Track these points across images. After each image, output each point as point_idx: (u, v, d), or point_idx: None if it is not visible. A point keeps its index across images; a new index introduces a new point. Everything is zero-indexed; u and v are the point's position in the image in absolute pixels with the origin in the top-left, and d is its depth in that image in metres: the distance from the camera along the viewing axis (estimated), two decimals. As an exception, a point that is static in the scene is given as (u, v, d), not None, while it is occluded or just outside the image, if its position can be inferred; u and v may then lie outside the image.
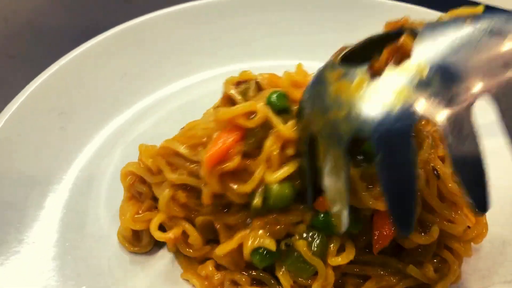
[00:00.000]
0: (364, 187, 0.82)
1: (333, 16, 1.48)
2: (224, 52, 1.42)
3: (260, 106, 0.85)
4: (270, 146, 0.83)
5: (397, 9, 1.45)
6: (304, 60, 1.28)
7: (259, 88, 0.94)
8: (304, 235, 0.86)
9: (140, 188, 0.99)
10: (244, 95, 0.92)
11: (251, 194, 0.83)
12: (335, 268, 0.87)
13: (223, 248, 0.87)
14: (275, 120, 0.84)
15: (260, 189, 0.83)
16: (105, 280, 0.92)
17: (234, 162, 0.82)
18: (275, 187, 0.82)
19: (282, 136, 0.83)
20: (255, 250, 0.84)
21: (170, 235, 0.92)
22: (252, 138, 0.84)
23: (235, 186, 0.83)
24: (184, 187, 0.92)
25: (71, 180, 1.08)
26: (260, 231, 0.84)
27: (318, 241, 0.85)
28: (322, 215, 0.85)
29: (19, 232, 0.96)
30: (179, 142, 0.91)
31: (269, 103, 0.86)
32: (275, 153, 0.83)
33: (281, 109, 0.87)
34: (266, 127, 0.85)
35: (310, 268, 0.85)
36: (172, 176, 0.91)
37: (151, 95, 1.31)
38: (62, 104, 1.19)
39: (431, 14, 1.39)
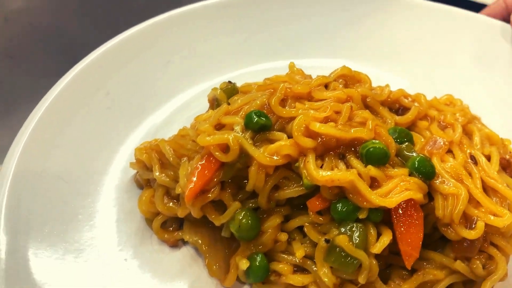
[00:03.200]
0: (366, 186, 0.82)
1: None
2: (273, 46, 1.39)
3: (233, 138, 0.85)
4: (254, 178, 0.86)
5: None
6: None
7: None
8: (342, 229, 0.83)
9: (146, 175, 0.99)
10: (229, 96, 1.01)
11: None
12: (379, 257, 0.84)
13: (231, 280, 0.91)
14: (251, 149, 0.85)
15: (230, 222, 0.88)
16: None
17: (213, 195, 0.88)
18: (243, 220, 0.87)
19: (263, 165, 0.85)
20: (246, 273, 0.88)
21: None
22: (230, 169, 0.88)
23: (212, 216, 0.89)
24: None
25: (121, 159, 1.08)
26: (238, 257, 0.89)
27: (358, 233, 0.83)
28: (339, 205, 0.84)
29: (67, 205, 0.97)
30: (169, 146, 0.95)
31: (247, 125, 0.88)
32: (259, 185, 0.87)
33: (261, 127, 0.88)
34: (243, 153, 0.86)
35: (355, 261, 0.81)
36: (157, 175, 0.94)
37: (199, 83, 1.29)
38: (109, 85, 1.19)
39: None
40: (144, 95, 1.23)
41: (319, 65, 1.36)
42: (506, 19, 1.43)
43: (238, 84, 1.12)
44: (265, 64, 1.37)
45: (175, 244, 0.96)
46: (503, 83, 1.29)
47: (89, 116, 1.12)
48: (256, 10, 1.41)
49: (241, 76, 1.33)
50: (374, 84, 1.10)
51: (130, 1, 1.79)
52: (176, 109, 1.24)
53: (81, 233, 0.94)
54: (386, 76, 1.32)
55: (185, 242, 0.96)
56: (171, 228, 0.96)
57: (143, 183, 1.01)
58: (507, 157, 1.04)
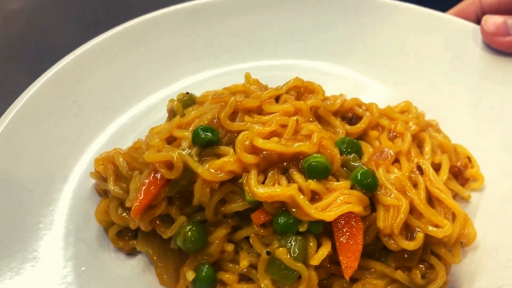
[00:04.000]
0: (304, 200, 0.85)
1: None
2: (240, 48, 1.41)
3: (177, 156, 0.88)
4: (199, 193, 0.89)
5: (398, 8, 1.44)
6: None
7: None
8: (283, 242, 0.86)
9: (103, 185, 1.02)
10: (186, 107, 1.03)
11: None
12: (320, 268, 0.87)
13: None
14: (194, 166, 0.88)
15: (177, 235, 0.91)
16: None
17: (159, 210, 0.91)
18: (189, 234, 0.90)
19: (207, 181, 0.88)
20: (193, 283, 0.91)
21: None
22: (175, 185, 0.91)
23: (161, 229, 0.93)
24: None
25: (83, 167, 1.11)
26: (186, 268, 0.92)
27: (297, 246, 0.86)
28: (281, 218, 0.86)
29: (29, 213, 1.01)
30: (123, 158, 0.98)
31: (194, 140, 0.91)
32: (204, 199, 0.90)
33: (208, 143, 0.90)
34: (188, 170, 0.89)
35: (294, 273, 0.84)
36: (111, 187, 0.97)
37: (164, 88, 1.32)
38: (77, 92, 1.22)
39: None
40: (112, 101, 1.26)
41: (293, 67, 1.39)
42: (479, 17, 1.43)
43: (202, 91, 1.16)
44: (234, 66, 1.39)
45: (131, 252, 0.99)
46: (473, 87, 1.29)
47: (56, 124, 1.15)
48: (227, 14, 1.42)
49: (211, 78, 1.36)
50: (343, 88, 1.14)
51: (131, 1, 1.81)
52: (143, 114, 1.27)
53: (41, 241, 0.98)
54: (351, 74, 1.35)
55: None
56: (127, 237, 1.00)
57: (101, 192, 1.04)
58: (458, 164, 1.06)
